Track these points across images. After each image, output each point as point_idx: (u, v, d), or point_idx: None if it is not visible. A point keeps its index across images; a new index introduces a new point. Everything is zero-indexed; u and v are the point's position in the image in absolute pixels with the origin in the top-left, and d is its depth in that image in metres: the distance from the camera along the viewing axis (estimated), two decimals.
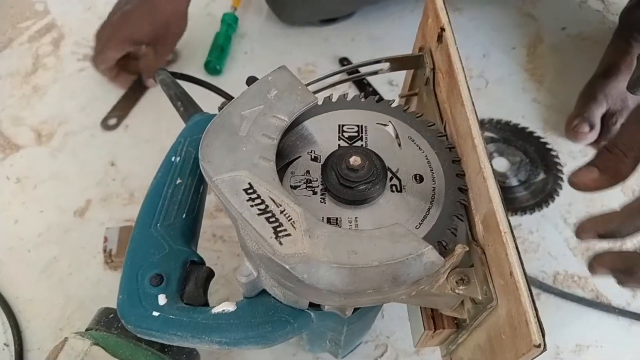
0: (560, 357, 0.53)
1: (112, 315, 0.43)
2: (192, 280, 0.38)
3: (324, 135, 0.37)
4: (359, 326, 0.42)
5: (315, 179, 0.34)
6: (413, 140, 0.36)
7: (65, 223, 0.61)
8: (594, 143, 0.66)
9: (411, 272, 0.28)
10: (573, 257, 0.59)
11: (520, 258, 0.28)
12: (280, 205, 0.30)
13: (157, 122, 0.69)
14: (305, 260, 0.28)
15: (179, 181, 0.42)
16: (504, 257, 0.28)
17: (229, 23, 0.77)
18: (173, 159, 0.43)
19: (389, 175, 0.35)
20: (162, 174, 0.42)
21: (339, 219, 0.33)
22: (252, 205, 0.30)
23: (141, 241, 0.39)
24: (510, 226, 0.29)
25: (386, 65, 0.42)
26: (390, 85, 0.73)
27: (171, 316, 0.36)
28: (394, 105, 0.39)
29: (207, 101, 0.52)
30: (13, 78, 0.75)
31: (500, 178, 0.64)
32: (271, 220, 0.30)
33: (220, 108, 0.46)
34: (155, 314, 0.36)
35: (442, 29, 0.38)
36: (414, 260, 0.28)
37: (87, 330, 0.44)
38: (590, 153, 0.67)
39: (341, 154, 0.34)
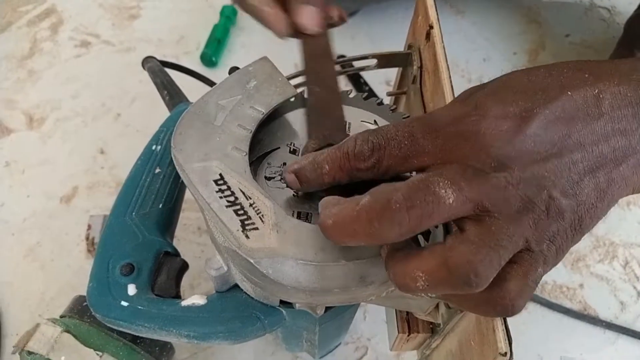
0: None
1: (85, 303, 0.42)
2: (165, 271, 0.38)
3: (305, 128, 0.36)
4: (333, 326, 0.41)
5: None
6: None
7: (50, 209, 0.61)
8: None
9: (380, 272, 0.28)
10: (563, 267, 0.58)
11: None
12: (250, 198, 0.29)
13: (149, 113, 0.68)
14: (270, 255, 0.27)
15: (157, 170, 0.41)
16: None
17: (228, 15, 0.76)
18: (154, 147, 0.42)
19: None
20: (142, 162, 0.42)
21: (309, 214, 0.32)
22: (221, 197, 0.29)
23: (115, 229, 0.39)
24: None
25: (373, 61, 0.41)
26: (388, 85, 0.72)
27: (139, 307, 0.35)
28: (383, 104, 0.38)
29: (200, 92, 0.51)
30: (9, 61, 0.74)
31: None
32: (239, 212, 0.29)
33: None
34: (124, 303, 0.35)
35: (431, 27, 0.37)
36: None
37: (61, 317, 0.43)
38: None
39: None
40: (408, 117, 0.37)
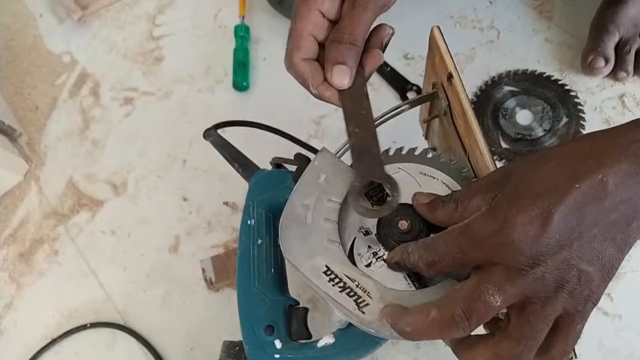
0: None
1: (237, 347, 0.55)
2: (294, 321, 0.48)
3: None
4: None
5: (379, 249, 0.41)
6: (446, 186, 0.42)
7: (164, 260, 0.72)
8: (611, 74, 0.69)
9: None
10: None
11: None
12: (355, 280, 0.39)
13: (208, 152, 0.75)
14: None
15: (259, 242, 0.51)
16: None
17: (242, 34, 0.81)
18: (249, 222, 0.51)
19: None
20: (245, 238, 0.51)
21: (417, 274, 0.39)
22: (333, 285, 0.39)
23: (247, 299, 0.49)
24: None
25: (406, 106, 0.48)
26: (406, 59, 0.77)
27: (289, 356, 0.46)
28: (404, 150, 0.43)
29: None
30: (71, 138, 0.83)
31: (525, 131, 0.69)
32: (351, 294, 0.38)
33: (272, 163, 0.54)
34: (277, 356, 0.47)
35: (450, 75, 0.43)
36: None
37: None
38: (608, 86, 0.70)
39: (387, 223, 0.40)
40: (456, 163, 0.42)
